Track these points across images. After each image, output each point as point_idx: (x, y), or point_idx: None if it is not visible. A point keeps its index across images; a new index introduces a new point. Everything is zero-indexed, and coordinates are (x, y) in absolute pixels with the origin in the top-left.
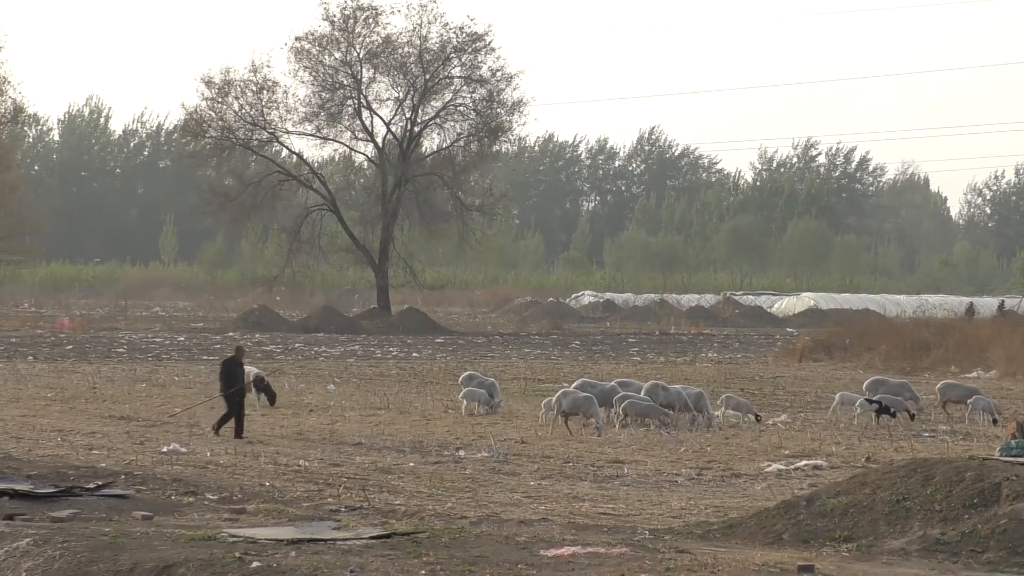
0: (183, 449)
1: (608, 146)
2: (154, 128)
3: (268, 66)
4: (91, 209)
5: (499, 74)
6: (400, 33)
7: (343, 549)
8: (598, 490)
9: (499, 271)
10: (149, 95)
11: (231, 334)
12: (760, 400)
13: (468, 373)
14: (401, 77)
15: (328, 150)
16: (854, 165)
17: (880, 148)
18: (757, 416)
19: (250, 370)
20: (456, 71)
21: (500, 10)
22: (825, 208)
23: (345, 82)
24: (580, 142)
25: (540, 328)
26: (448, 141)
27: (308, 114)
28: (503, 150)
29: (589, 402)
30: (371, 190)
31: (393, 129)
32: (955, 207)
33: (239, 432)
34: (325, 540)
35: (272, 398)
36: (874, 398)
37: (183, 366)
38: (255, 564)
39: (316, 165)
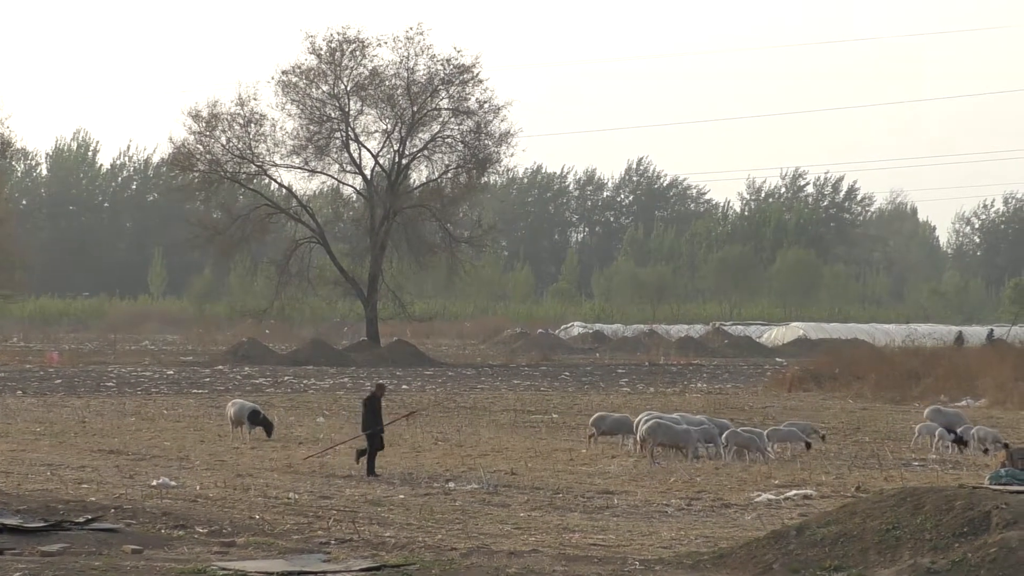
0: (172, 483)
1: (596, 177)
2: (142, 162)
3: (255, 99)
4: (79, 243)
5: (487, 106)
6: (387, 65)
7: None
8: (588, 521)
9: (488, 303)
10: (136, 129)
11: (220, 367)
12: None
13: (599, 415)
14: (389, 109)
15: (316, 183)
16: (842, 195)
17: (868, 177)
18: (808, 444)
19: (244, 404)
20: (444, 103)
21: (487, 42)
22: (814, 238)
23: (332, 115)
24: (568, 173)
25: (529, 359)
26: (436, 173)
27: (296, 147)
28: (491, 182)
29: (688, 434)
30: (359, 222)
31: (381, 161)
32: (944, 236)
33: (370, 469)
34: (315, 573)
35: (269, 430)
36: (956, 429)
37: (172, 399)
38: None
39: (304, 198)
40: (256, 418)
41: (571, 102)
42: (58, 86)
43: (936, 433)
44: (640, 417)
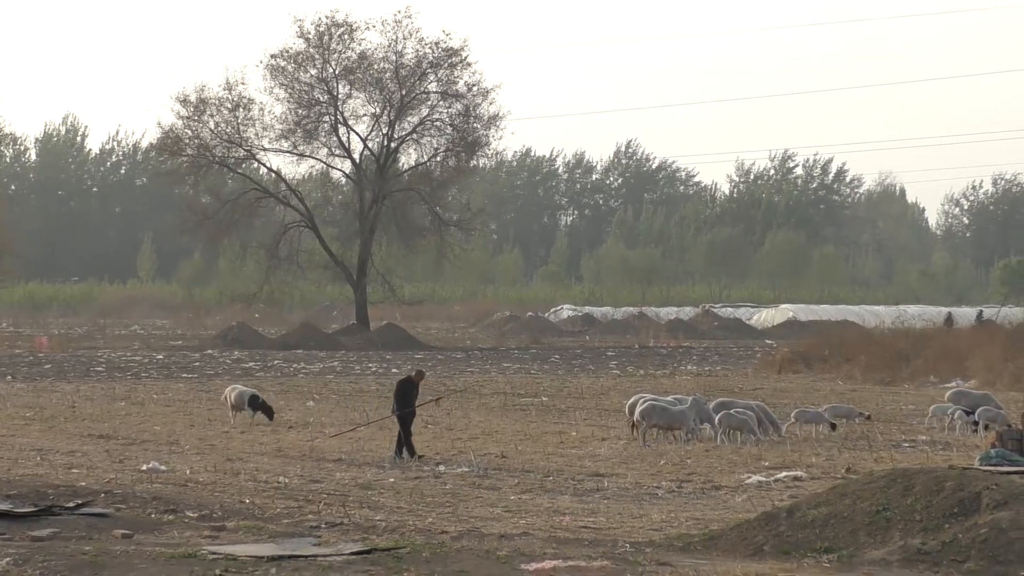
0: (162, 467)
1: (585, 160)
2: (130, 147)
3: (243, 83)
4: (69, 228)
5: (475, 89)
6: (375, 49)
7: (324, 566)
8: (579, 503)
9: (478, 286)
10: (125, 114)
11: (210, 351)
12: None
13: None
14: (377, 93)
15: (305, 167)
16: (831, 176)
17: (857, 159)
18: (833, 425)
19: (244, 389)
20: (432, 86)
21: (476, 25)
22: (803, 220)
23: (321, 98)
24: (557, 156)
25: (519, 343)
26: (425, 156)
27: (284, 131)
28: (480, 165)
29: (684, 416)
30: (349, 206)
31: (370, 145)
32: (933, 217)
33: (411, 452)
34: (305, 557)
35: (269, 414)
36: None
37: (162, 384)
38: None
39: (293, 182)
40: (256, 403)
41: (560, 85)
42: (47, 71)
43: (956, 414)
44: (633, 399)
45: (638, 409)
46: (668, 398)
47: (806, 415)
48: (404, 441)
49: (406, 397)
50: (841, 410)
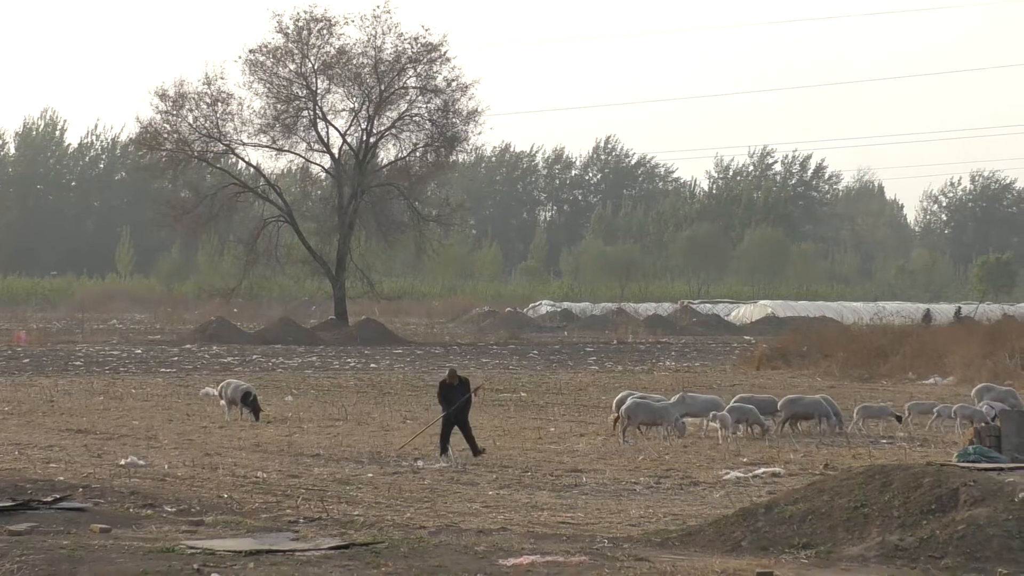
0: (141, 462)
1: (564, 155)
2: (109, 141)
3: (222, 78)
4: (47, 222)
5: (454, 84)
6: (354, 44)
7: (302, 560)
8: (557, 499)
9: (456, 281)
10: (104, 108)
11: (188, 346)
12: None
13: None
14: (356, 88)
15: (284, 161)
16: (810, 173)
17: (836, 156)
18: (898, 417)
19: (239, 384)
20: (411, 81)
21: (455, 20)
22: (782, 216)
23: (300, 93)
24: (536, 152)
25: (498, 338)
26: (404, 151)
27: (263, 126)
28: (459, 160)
29: (666, 411)
30: (327, 201)
31: (349, 140)
32: (911, 214)
33: (444, 448)
34: (284, 551)
35: (256, 414)
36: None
37: (140, 379)
38: (213, 575)
39: (272, 177)
40: (247, 400)
41: (539, 80)
42: (26, 65)
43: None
44: (621, 395)
45: (623, 407)
46: (674, 399)
47: (870, 410)
48: (442, 433)
49: (447, 399)
50: (924, 407)
